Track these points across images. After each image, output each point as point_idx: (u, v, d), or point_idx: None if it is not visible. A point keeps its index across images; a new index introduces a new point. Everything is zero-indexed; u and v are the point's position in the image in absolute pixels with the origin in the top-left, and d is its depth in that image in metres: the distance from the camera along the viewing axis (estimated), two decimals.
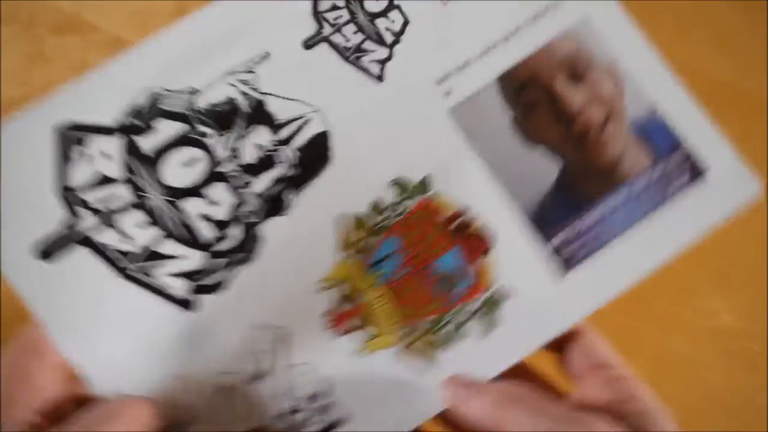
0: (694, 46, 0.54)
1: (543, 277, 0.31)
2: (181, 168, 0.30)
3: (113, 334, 0.29)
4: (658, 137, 0.32)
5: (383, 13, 0.31)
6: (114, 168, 0.30)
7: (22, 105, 0.53)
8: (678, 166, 0.32)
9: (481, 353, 0.30)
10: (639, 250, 0.31)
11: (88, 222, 0.29)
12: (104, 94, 0.30)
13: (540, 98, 0.32)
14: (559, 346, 0.31)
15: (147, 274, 0.30)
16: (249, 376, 0.30)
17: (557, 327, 0.30)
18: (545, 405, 0.27)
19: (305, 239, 0.30)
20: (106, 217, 0.29)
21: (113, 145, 0.30)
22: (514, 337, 0.30)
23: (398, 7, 0.31)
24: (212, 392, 0.29)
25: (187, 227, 0.30)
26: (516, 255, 0.31)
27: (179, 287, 0.30)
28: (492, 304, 0.31)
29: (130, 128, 0.30)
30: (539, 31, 0.32)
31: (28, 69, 0.54)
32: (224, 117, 0.30)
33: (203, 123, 0.30)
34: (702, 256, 0.50)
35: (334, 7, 0.31)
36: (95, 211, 0.29)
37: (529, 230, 0.31)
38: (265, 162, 0.30)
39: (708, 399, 0.48)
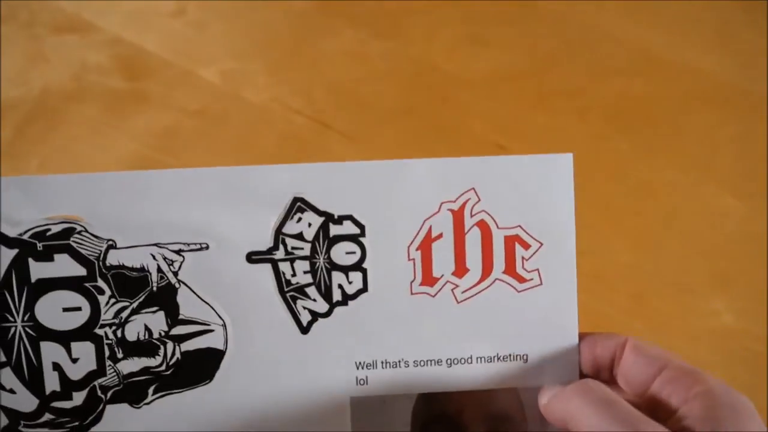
0: (694, 46, 0.54)
1: None
2: (59, 310, 0.28)
3: None
4: None
5: (345, 270, 0.28)
6: None
7: (22, 105, 0.53)
8: None
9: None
10: None
11: None
12: (26, 201, 0.27)
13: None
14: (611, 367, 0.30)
15: None
16: None
17: None
18: (617, 401, 0.27)
19: None
20: None
21: (6, 255, 0.27)
22: None
23: (364, 271, 0.29)
24: None
25: (36, 369, 0.28)
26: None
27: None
28: None
29: (31, 248, 0.27)
30: (491, 375, 0.29)
31: (28, 69, 0.54)
32: (129, 283, 0.28)
33: (104, 278, 0.28)
34: (702, 256, 0.50)
35: (300, 236, 0.28)
36: None
37: None
38: (146, 347, 0.28)
39: None
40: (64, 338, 0.28)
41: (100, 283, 0.28)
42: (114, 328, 0.28)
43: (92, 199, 0.28)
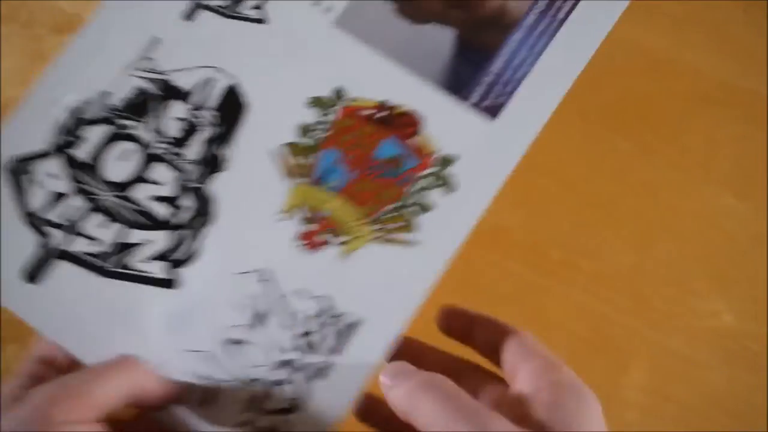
0: (694, 46, 0.54)
1: (476, 133, 0.33)
2: (118, 163, 0.33)
3: (114, 330, 0.31)
4: None
5: None
6: (62, 184, 0.33)
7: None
8: None
9: (448, 219, 0.33)
10: (552, 76, 0.33)
11: (57, 237, 0.32)
12: (32, 125, 0.33)
13: None
14: (494, 350, 0.32)
15: (124, 267, 0.32)
16: (252, 321, 0.32)
17: (506, 170, 0.33)
18: (458, 396, 0.27)
19: (252, 182, 0.33)
20: (71, 228, 0.32)
21: (54, 164, 0.33)
22: (473, 192, 0.33)
23: None
24: (223, 349, 0.32)
25: (143, 213, 0.33)
26: (445, 123, 0.33)
27: (158, 269, 0.32)
28: (442, 172, 0.33)
29: (63, 145, 0.33)
30: None
31: (28, 69, 0.54)
32: (139, 106, 0.33)
33: (123, 117, 0.33)
34: (702, 257, 0.50)
35: None
36: (59, 226, 0.32)
37: (447, 98, 0.33)
38: (189, 130, 0.33)
39: (708, 399, 0.48)
40: (139, 177, 0.33)
41: (123, 122, 0.34)
42: (159, 139, 0.33)
43: (63, 84, 0.35)
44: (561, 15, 0.34)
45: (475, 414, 0.26)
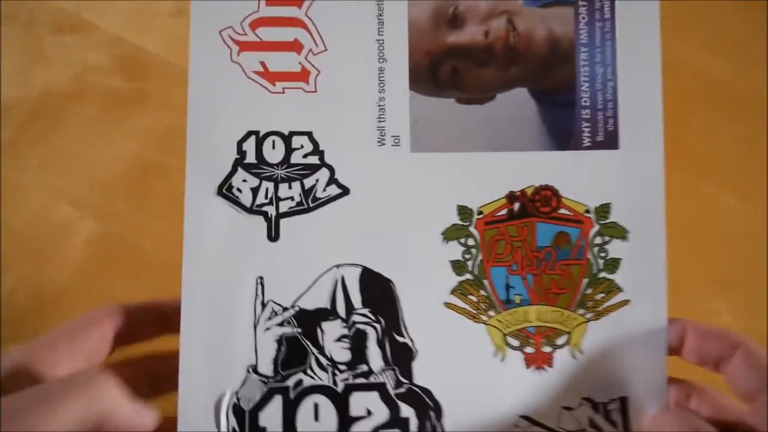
0: (694, 46, 0.54)
1: (610, 170, 0.32)
2: (314, 424, 0.31)
3: None
4: None
5: None
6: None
7: (22, 105, 0.53)
8: None
9: (642, 259, 0.32)
10: (638, 74, 0.32)
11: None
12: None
13: (450, 61, 0.32)
14: (718, 362, 0.31)
15: None
16: None
17: (659, 190, 0.32)
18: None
19: (446, 350, 0.32)
20: None
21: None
22: (645, 223, 0.32)
23: None
24: None
25: None
26: (577, 177, 0.32)
27: None
28: (607, 223, 0.32)
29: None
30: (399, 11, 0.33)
31: (28, 69, 0.54)
32: (290, 355, 0.32)
33: (284, 378, 0.32)
34: (702, 256, 0.50)
35: None
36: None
37: (562, 153, 0.32)
38: (355, 343, 0.32)
39: None
40: None
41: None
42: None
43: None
44: (606, 15, 0.32)
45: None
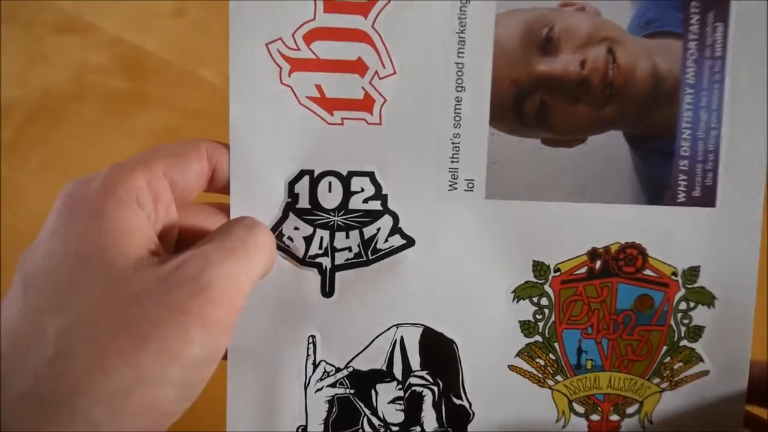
0: None
1: (704, 230, 0.29)
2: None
3: None
4: (660, 13, 0.28)
5: None
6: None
7: (22, 105, 0.53)
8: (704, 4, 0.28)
9: (727, 330, 0.29)
10: (746, 125, 0.28)
11: None
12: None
13: (538, 94, 0.28)
14: None
15: None
16: None
17: (755, 253, 0.29)
18: None
19: (509, 418, 0.30)
20: None
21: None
22: (735, 290, 0.29)
23: None
24: None
25: None
26: (667, 235, 0.29)
27: None
28: (694, 287, 0.29)
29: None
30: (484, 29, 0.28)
31: (28, 69, 0.54)
32: (341, 418, 0.30)
33: None
34: None
35: None
36: None
37: (654, 208, 0.29)
38: (410, 406, 0.30)
39: None
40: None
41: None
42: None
43: None
44: (718, 52, 0.28)
45: None
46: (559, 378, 0.29)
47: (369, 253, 0.28)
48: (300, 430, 0.29)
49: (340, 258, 0.28)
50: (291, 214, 0.28)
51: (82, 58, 0.54)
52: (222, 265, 0.23)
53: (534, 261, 0.29)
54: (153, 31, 0.55)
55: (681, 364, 0.29)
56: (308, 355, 0.29)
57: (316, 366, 0.29)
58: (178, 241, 0.27)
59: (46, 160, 0.52)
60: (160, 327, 0.21)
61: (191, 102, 0.53)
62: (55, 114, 0.53)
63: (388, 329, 0.29)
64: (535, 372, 0.29)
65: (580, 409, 0.30)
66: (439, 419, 0.29)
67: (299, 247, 0.28)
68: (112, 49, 0.54)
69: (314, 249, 0.28)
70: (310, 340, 0.29)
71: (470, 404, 0.29)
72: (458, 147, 0.28)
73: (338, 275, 0.28)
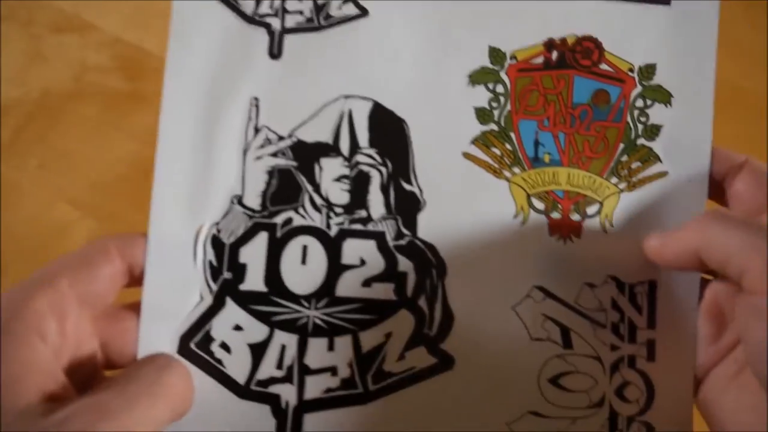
0: None
1: (660, 26, 0.29)
2: (301, 268, 0.28)
3: None
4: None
5: None
6: (259, 329, 0.28)
7: (22, 105, 0.53)
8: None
9: (684, 128, 0.28)
10: None
11: (286, 392, 0.28)
12: (172, 292, 0.28)
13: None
14: (720, 186, 0.29)
15: (388, 375, 0.28)
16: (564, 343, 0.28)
17: (711, 50, 0.28)
18: (752, 222, 0.25)
19: (459, 204, 0.28)
20: (289, 376, 0.28)
21: (232, 315, 0.28)
22: (693, 88, 0.28)
23: None
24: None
25: (363, 307, 0.28)
26: (623, 30, 0.29)
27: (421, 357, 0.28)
28: (651, 84, 0.29)
29: (227, 284, 0.28)
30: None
31: (28, 69, 0.54)
32: (281, 189, 0.28)
33: (273, 214, 0.28)
34: None
35: None
36: (283, 380, 0.28)
37: (610, 2, 0.29)
38: (356, 185, 0.28)
39: None
40: None
41: None
42: None
43: None
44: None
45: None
46: (516, 170, 0.28)
47: (321, 18, 0.28)
48: (234, 200, 0.27)
49: (291, 21, 0.28)
50: None
51: (82, 58, 0.54)
52: (119, 418, 0.21)
53: (490, 47, 0.28)
54: (152, 31, 0.55)
55: (638, 163, 0.29)
56: (249, 118, 0.27)
57: (257, 131, 0.27)
58: (110, 351, 0.26)
59: (46, 160, 0.52)
60: None
61: None
62: (54, 114, 0.53)
63: (336, 100, 0.28)
64: (491, 162, 0.28)
65: (540, 205, 0.28)
66: (387, 204, 0.28)
67: (249, 4, 0.28)
68: (111, 48, 0.54)
69: (264, 8, 0.28)
70: (253, 103, 0.27)
71: (421, 191, 0.28)
72: None
73: (287, 38, 0.28)
